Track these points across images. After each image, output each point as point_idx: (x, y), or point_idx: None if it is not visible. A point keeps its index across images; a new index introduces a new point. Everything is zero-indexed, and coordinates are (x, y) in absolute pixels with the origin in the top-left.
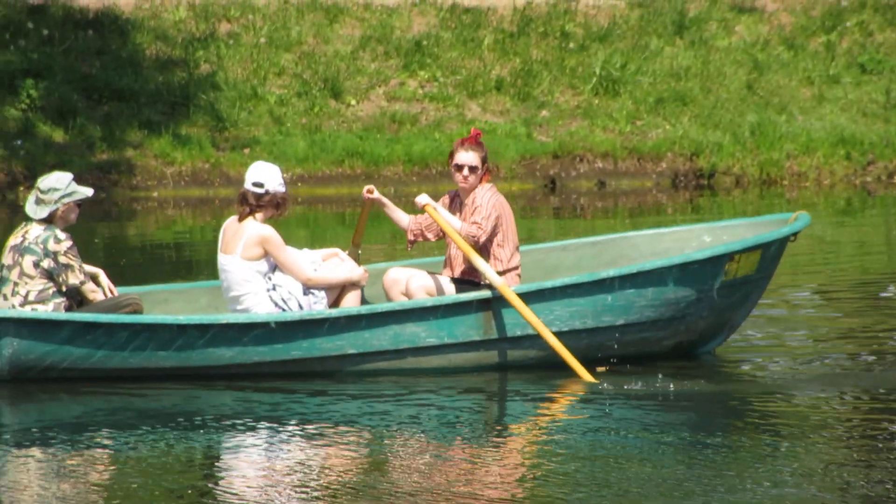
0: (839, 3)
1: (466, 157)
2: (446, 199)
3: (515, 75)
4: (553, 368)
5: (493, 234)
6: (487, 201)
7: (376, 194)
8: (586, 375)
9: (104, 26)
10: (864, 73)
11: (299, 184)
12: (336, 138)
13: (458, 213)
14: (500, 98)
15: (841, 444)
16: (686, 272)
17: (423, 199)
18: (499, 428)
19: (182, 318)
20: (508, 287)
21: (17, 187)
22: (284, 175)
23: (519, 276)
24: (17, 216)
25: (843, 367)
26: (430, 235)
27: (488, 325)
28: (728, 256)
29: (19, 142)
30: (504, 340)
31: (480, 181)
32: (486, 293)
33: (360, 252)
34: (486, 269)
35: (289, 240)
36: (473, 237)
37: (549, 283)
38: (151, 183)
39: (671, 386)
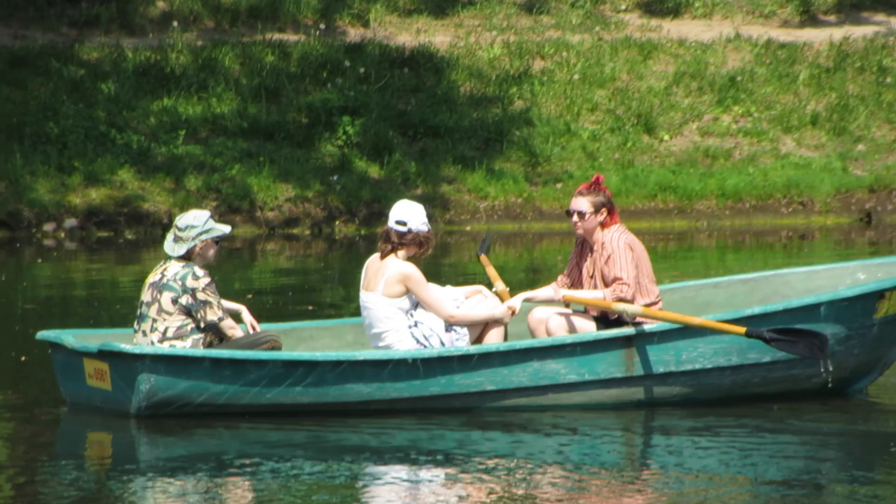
0: None
1: (576, 203)
2: (576, 250)
3: (831, 110)
4: (695, 406)
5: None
6: (618, 246)
7: (518, 307)
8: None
9: (420, 64)
10: None
11: None
12: (649, 173)
13: (588, 257)
14: (816, 133)
15: None
16: (835, 309)
17: (560, 295)
18: (637, 468)
19: (318, 355)
20: (646, 308)
21: (333, 222)
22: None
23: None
24: (333, 250)
25: None
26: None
27: (630, 362)
28: (879, 294)
29: (335, 177)
30: (646, 378)
31: (604, 225)
32: (627, 330)
33: (507, 289)
34: (620, 307)
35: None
36: (622, 296)
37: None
38: (465, 217)
39: (820, 425)
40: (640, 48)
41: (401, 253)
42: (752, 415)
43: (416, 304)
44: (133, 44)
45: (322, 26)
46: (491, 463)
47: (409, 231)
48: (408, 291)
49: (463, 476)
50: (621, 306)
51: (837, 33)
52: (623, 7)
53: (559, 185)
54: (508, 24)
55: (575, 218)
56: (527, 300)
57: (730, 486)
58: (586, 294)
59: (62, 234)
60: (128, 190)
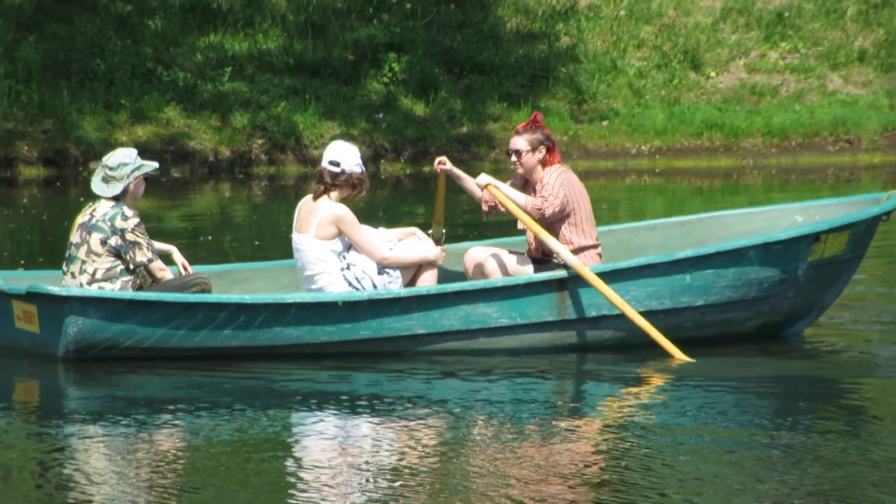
0: None
1: (513, 142)
2: (518, 182)
3: (879, 46)
4: (628, 350)
5: (564, 214)
6: (554, 180)
7: (449, 165)
8: (678, 353)
9: (466, 0)
10: None
11: (657, 156)
12: (695, 110)
13: (531, 196)
14: (863, 69)
15: None
16: (769, 252)
17: (483, 179)
18: (570, 411)
19: (246, 298)
20: (584, 266)
21: (379, 160)
22: (643, 147)
23: (599, 255)
24: (378, 188)
25: None
26: (502, 207)
27: (562, 305)
28: (814, 236)
29: (381, 115)
30: (578, 321)
31: (544, 163)
32: (559, 273)
33: (444, 231)
34: (560, 248)
35: (645, 211)
36: (538, 209)
37: (624, 264)
38: None
39: (755, 368)
40: None
41: (334, 194)
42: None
43: (349, 247)
44: None
45: None
46: (420, 408)
47: (343, 172)
48: (340, 233)
49: (392, 421)
50: (558, 247)
51: None
52: None
53: (605, 123)
54: None
55: (513, 157)
56: (457, 176)
57: (660, 432)
58: (510, 190)
59: None
60: (174, 127)
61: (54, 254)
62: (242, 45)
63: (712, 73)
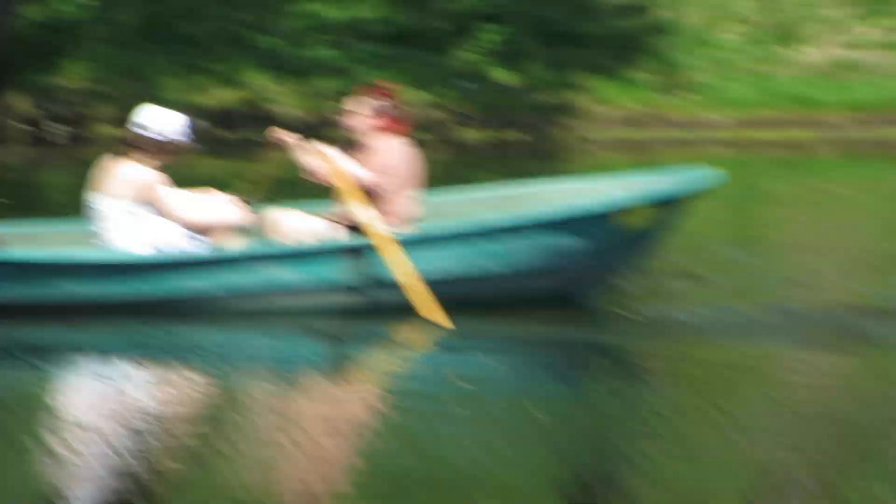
0: None
1: (350, 102)
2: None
3: None
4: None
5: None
6: (390, 149)
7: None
8: (443, 321)
9: None
10: None
11: (741, 128)
12: (784, 85)
13: (360, 154)
14: None
15: (703, 390)
16: (567, 225)
17: (318, 147)
18: (345, 371)
19: (40, 254)
20: (377, 228)
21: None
22: (726, 119)
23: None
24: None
25: (717, 317)
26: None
27: (356, 268)
28: (609, 210)
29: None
30: (371, 286)
31: (378, 129)
32: (355, 240)
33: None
34: (362, 212)
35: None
36: (376, 182)
37: (412, 235)
38: (590, 125)
39: (536, 333)
40: None
41: (137, 156)
42: (477, 322)
43: (152, 209)
44: None
45: None
46: (196, 366)
47: (149, 135)
48: (140, 195)
49: (160, 380)
50: (359, 210)
51: None
52: None
53: (690, 95)
54: None
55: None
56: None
57: (430, 398)
58: (346, 162)
59: None
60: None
61: None
62: None
63: (806, 49)
